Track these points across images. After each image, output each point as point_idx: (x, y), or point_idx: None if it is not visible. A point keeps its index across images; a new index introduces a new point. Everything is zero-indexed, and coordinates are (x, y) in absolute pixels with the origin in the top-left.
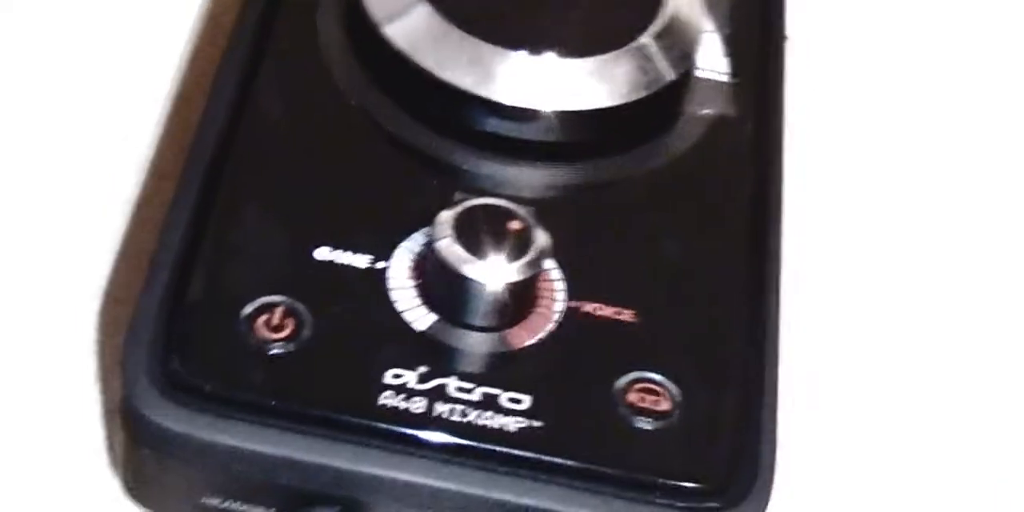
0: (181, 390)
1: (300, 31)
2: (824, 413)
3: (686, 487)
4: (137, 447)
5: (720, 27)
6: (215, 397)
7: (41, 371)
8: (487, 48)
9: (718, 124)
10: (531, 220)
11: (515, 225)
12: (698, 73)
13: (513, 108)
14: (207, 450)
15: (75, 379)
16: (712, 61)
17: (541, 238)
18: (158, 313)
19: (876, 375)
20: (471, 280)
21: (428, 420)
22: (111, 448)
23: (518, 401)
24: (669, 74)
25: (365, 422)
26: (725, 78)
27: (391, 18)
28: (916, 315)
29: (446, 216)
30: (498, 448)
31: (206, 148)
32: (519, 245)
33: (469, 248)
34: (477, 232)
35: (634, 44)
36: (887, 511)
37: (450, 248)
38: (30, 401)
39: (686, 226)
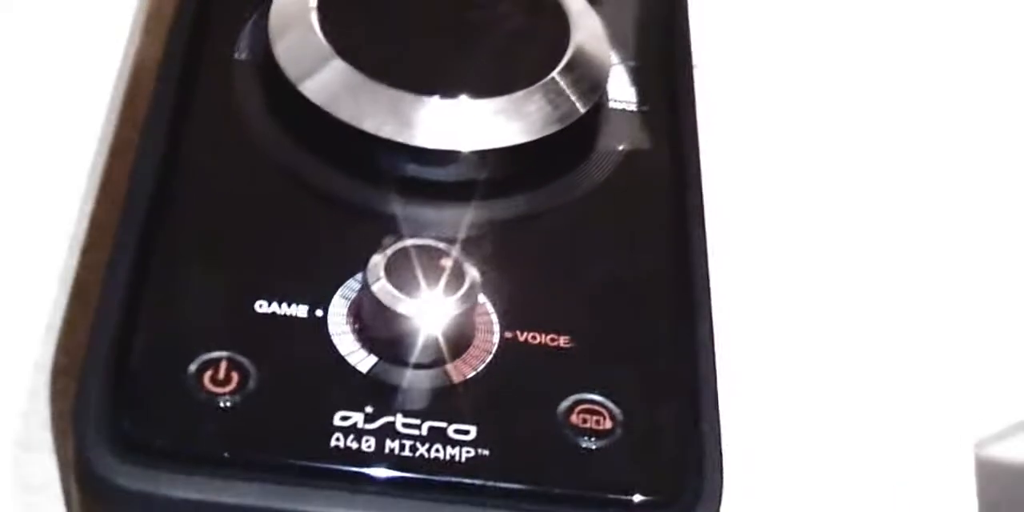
0: (135, 449)
1: (220, 91)
2: (770, 413)
3: (637, 500)
4: (96, 506)
5: (626, 59)
6: (169, 453)
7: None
8: (402, 96)
9: (633, 152)
10: (460, 256)
11: (445, 262)
12: (610, 104)
13: (433, 151)
14: (167, 505)
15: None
16: (621, 92)
17: (471, 273)
18: (104, 375)
19: (812, 369)
20: (407, 318)
21: (380, 457)
22: (68, 505)
23: (465, 432)
24: (580, 107)
25: (319, 465)
26: (635, 108)
27: (306, 75)
28: (840, 314)
29: (377, 259)
30: (451, 479)
31: (138, 210)
32: (451, 281)
33: (402, 288)
34: (409, 272)
35: (544, 80)
36: (838, 499)
37: (384, 289)
38: None
39: (610, 251)
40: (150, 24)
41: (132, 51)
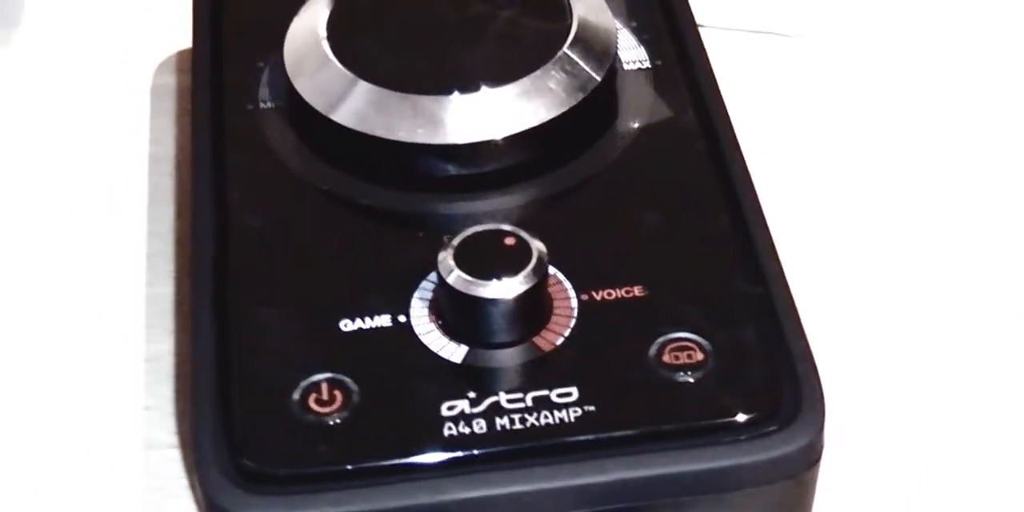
0: (260, 480)
1: (254, 140)
2: (853, 323)
3: (742, 420)
4: None
5: (626, 22)
6: (294, 477)
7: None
8: (427, 100)
9: (655, 105)
10: (522, 233)
11: (509, 241)
12: (624, 67)
13: (468, 145)
14: None
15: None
16: (631, 54)
17: (537, 246)
18: (214, 417)
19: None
20: (487, 301)
21: (495, 435)
22: None
23: (568, 394)
24: (596, 75)
25: (440, 455)
26: (648, 64)
27: (334, 104)
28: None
29: (445, 254)
30: (567, 439)
31: (206, 262)
32: (519, 258)
33: (476, 274)
34: (477, 258)
35: (556, 57)
36: (935, 407)
37: (460, 279)
38: None
39: (658, 199)
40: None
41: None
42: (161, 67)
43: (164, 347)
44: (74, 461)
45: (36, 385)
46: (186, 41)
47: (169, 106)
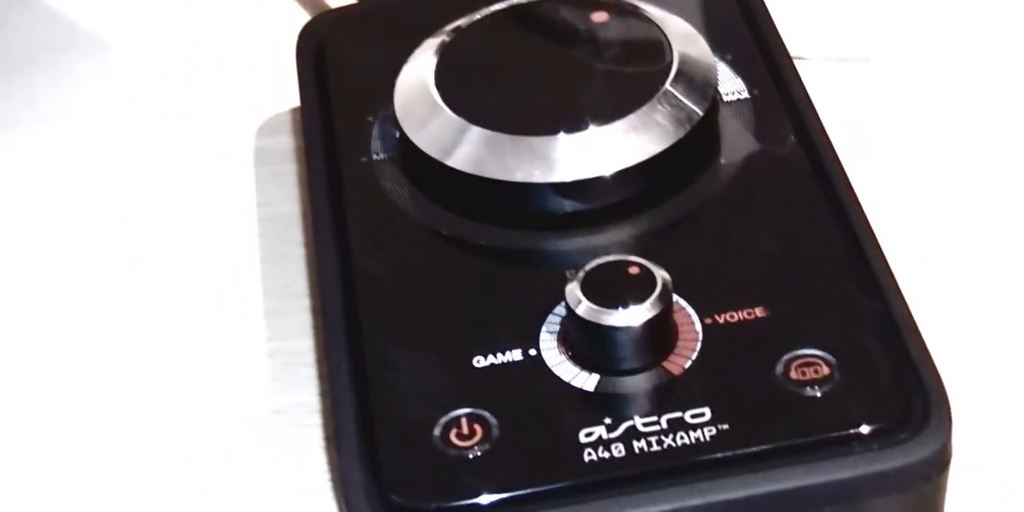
0: None
1: (371, 190)
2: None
3: (872, 430)
4: None
5: (722, 54)
6: (445, 510)
7: None
8: (540, 141)
9: (758, 133)
10: (645, 262)
11: (634, 270)
12: (724, 98)
13: (580, 182)
14: None
15: None
16: (729, 85)
17: (661, 274)
18: (360, 458)
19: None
20: (617, 329)
21: (634, 458)
22: None
23: (701, 414)
24: (700, 108)
25: (583, 480)
26: (747, 95)
27: (449, 150)
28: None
29: (572, 286)
30: (704, 457)
31: (336, 311)
32: (644, 286)
33: (604, 304)
34: (604, 289)
35: (659, 93)
36: None
37: (589, 309)
38: None
39: (770, 223)
40: None
41: None
42: (261, 130)
43: (289, 398)
44: None
45: (164, 443)
46: (277, 105)
47: (274, 169)
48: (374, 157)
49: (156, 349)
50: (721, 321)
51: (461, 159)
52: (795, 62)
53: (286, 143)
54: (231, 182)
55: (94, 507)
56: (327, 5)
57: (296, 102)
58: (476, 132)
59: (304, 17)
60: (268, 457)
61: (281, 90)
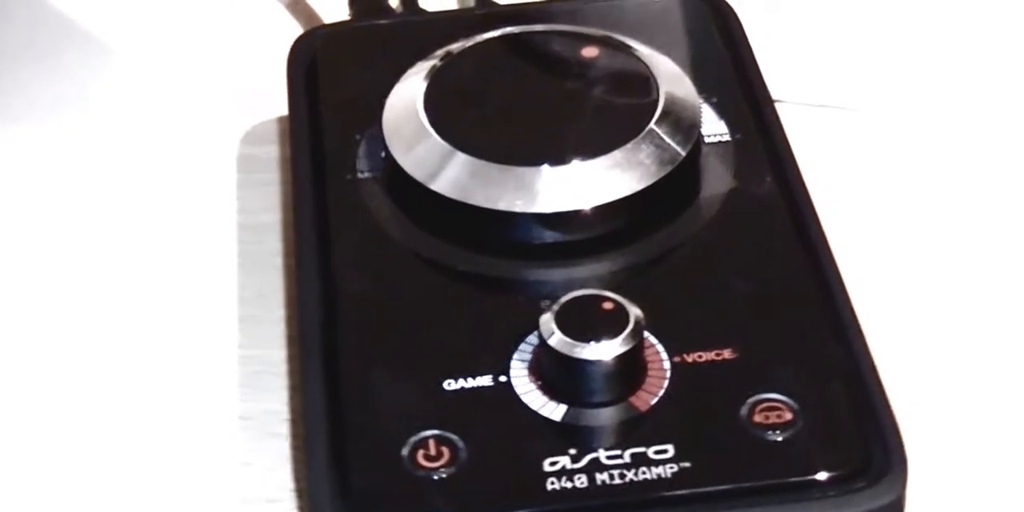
0: None
1: (354, 208)
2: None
3: (830, 478)
4: None
5: (707, 97)
6: None
7: None
8: (524, 171)
9: (738, 176)
10: (620, 298)
11: (608, 306)
12: (706, 139)
13: (562, 214)
14: None
15: None
16: (712, 127)
17: (634, 311)
18: (329, 472)
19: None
20: (588, 362)
21: (595, 490)
22: None
23: (664, 451)
24: (683, 149)
25: (545, 509)
26: (728, 138)
27: (434, 174)
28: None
29: (547, 317)
30: (664, 493)
31: (313, 326)
32: (617, 321)
33: (577, 337)
34: (578, 322)
35: (644, 132)
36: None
37: (562, 341)
38: None
39: (744, 266)
40: None
41: None
42: (246, 138)
43: (257, 406)
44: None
45: (132, 444)
46: (264, 113)
47: (258, 177)
48: (359, 175)
49: (127, 350)
50: (690, 360)
51: (445, 184)
52: (776, 106)
53: (271, 152)
54: (214, 188)
55: (56, 510)
56: (320, 18)
57: (283, 111)
58: (462, 158)
59: (296, 28)
60: (234, 462)
61: (269, 99)
